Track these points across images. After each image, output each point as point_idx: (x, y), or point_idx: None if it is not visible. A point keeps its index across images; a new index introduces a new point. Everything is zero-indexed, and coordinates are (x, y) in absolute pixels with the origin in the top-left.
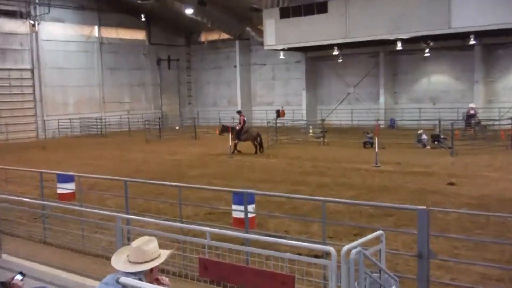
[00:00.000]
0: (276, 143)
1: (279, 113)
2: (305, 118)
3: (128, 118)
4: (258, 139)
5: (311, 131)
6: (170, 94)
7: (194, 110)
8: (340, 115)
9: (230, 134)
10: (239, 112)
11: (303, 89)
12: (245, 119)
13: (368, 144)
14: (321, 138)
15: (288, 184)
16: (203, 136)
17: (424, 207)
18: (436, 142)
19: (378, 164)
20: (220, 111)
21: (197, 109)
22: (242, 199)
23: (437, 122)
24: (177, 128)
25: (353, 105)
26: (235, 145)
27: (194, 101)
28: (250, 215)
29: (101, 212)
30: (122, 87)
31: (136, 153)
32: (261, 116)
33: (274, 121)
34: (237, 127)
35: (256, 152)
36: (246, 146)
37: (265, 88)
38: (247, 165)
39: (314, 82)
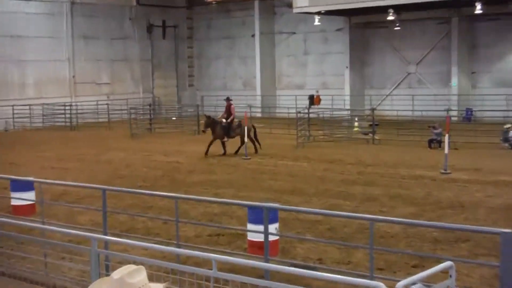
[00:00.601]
0: (309, 141)
1: (313, 100)
2: (348, 107)
3: (108, 105)
4: (253, 132)
5: (356, 124)
6: (165, 73)
7: (197, 95)
8: (396, 102)
9: (213, 131)
10: (227, 99)
11: (346, 67)
12: (234, 109)
13: (435, 143)
14: (370, 135)
15: (324, 196)
16: (209, 130)
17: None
18: None
19: (448, 171)
20: (233, 96)
21: (202, 94)
22: (261, 216)
23: None
24: (173, 119)
25: (415, 89)
26: (223, 144)
27: (197, 82)
28: (271, 238)
29: (71, 231)
30: (100, 63)
31: (117, 152)
32: (287, 103)
33: (305, 111)
34: (222, 121)
35: (256, 151)
36: (234, 143)
37: (294, 66)
38: (268, 170)
39: (362, 58)
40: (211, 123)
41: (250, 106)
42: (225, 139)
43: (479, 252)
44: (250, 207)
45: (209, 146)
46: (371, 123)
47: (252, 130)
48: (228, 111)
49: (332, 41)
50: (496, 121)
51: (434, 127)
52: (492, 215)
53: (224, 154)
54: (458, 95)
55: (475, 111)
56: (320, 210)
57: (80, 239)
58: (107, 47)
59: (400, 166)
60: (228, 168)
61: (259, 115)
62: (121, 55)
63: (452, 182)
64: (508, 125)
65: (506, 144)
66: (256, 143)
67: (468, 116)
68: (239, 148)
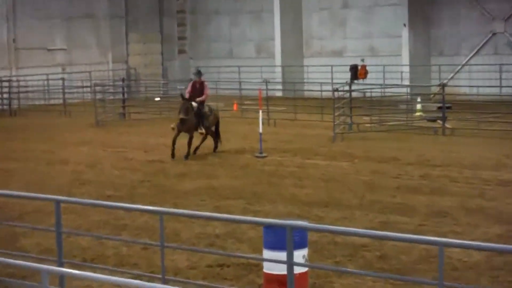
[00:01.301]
0: (351, 131)
1: (357, 72)
2: (407, 82)
3: (63, 80)
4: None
5: (419, 107)
6: (144, 35)
7: (190, 65)
8: (476, 76)
9: (182, 116)
10: (198, 74)
11: (404, 25)
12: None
13: None
14: (439, 122)
15: (373, 211)
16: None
17: None
18: None
19: None
20: (243, 68)
21: (197, 64)
22: (282, 238)
23: None
24: (157, 99)
25: (503, 56)
26: (202, 140)
27: (190, 48)
28: (297, 270)
29: (12, 261)
30: (52, 21)
31: (78, 147)
32: (320, 76)
33: (346, 88)
34: (192, 104)
35: (216, 149)
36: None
37: (328, 24)
38: (292, 173)
39: (426, 11)
40: (189, 108)
41: (266, 82)
42: (202, 130)
43: None
44: (267, 226)
45: (190, 144)
46: (440, 105)
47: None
48: (200, 92)
49: None
50: None
51: None
52: None
53: (194, 153)
54: None
55: None
56: (367, 231)
57: (25, 272)
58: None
59: (482, 167)
60: (235, 170)
61: (279, 93)
62: (82, 10)
63: None
64: None
65: None
66: (219, 138)
67: None
68: (200, 144)
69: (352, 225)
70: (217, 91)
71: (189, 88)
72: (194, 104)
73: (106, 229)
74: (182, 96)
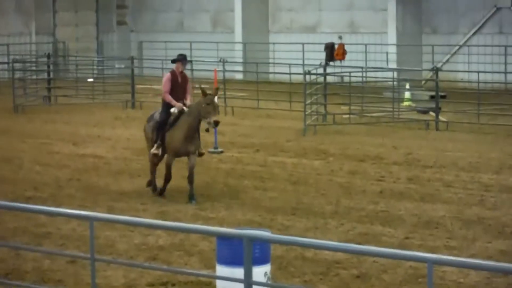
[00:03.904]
0: (325, 123)
1: (333, 52)
2: (394, 65)
3: None
4: None
5: (407, 95)
6: (76, 2)
7: (132, 40)
8: (476, 59)
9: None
10: (183, 60)
11: None
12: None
13: None
14: (432, 113)
15: (351, 219)
16: (154, 103)
17: None
18: None
19: None
20: (195, 44)
21: (140, 38)
22: (239, 251)
23: None
24: (90, 80)
25: (509, 36)
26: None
27: (132, 19)
28: None
29: None
30: None
31: None
32: (288, 55)
33: (320, 70)
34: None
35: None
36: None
37: None
38: (253, 173)
39: None
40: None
41: (224, 61)
42: (154, 149)
43: None
44: (221, 237)
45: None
46: (432, 93)
47: None
48: (183, 89)
49: None
50: None
51: None
52: None
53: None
54: None
55: None
56: (342, 244)
57: None
58: None
59: (483, 169)
60: (184, 168)
61: (239, 76)
62: None
63: None
64: None
65: None
66: None
67: None
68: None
69: (325, 237)
70: (163, 71)
71: (167, 84)
72: (172, 110)
73: (25, 237)
74: (203, 90)
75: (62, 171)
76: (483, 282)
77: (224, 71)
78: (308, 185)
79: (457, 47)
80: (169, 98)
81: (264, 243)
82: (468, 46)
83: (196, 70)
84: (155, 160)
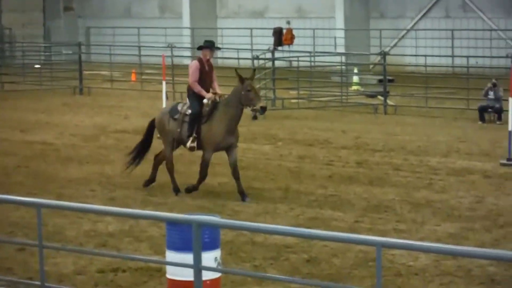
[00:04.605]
0: (274, 107)
1: (282, 37)
2: (342, 50)
3: None
4: None
5: (356, 79)
6: None
7: (79, 26)
8: (424, 43)
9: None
10: (211, 46)
11: None
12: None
13: (491, 113)
14: (380, 97)
15: (300, 204)
16: (102, 89)
17: None
18: None
19: None
20: (143, 30)
21: (87, 24)
22: (189, 237)
23: None
24: (37, 66)
25: (456, 20)
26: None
27: (78, 4)
28: (207, 276)
29: None
30: None
31: None
32: (237, 40)
33: (269, 54)
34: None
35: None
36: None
37: None
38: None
39: None
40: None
41: (172, 47)
42: (189, 143)
43: None
44: (170, 222)
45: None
46: (380, 77)
47: None
48: (210, 78)
49: None
50: None
51: (493, 85)
52: None
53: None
54: None
55: None
56: (292, 229)
57: None
58: None
59: (431, 152)
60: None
61: (187, 61)
62: None
63: None
64: None
65: None
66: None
67: None
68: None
69: (275, 221)
70: (111, 57)
71: (196, 73)
72: (205, 100)
73: None
74: (240, 76)
75: (10, 158)
76: (432, 265)
77: (172, 56)
78: (258, 170)
79: (404, 31)
80: (199, 88)
81: (214, 228)
82: (416, 30)
83: (144, 55)
84: (171, 165)
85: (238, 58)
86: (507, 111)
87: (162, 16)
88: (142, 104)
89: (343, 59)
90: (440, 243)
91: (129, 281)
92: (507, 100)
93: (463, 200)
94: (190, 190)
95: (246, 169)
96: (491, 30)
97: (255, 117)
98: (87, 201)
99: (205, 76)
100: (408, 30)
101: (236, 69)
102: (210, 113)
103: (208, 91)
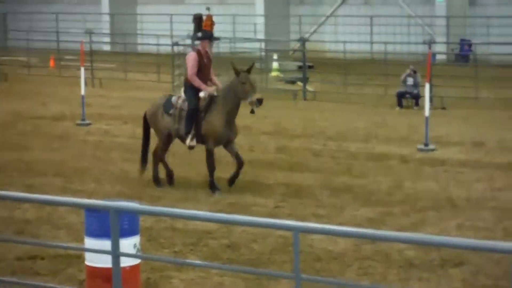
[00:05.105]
0: None
1: (201, 23)
2: (262, 36)
3: None
4: None
5: (275, 65)
6: None
7: None
8: (343, 29)
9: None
10: (209, 37)
11: None
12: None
13: (409, 98)
14: (299, 83)
15: (221, 190)
16: (20, 75)
17: None
18: None
19: (431, 146)
20: (61, 15)
21: (4, 9)
22: (107, 223)
23: None
24: None
25: (375, 7)
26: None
27: None
28: (126, 263)
29: None
30: None
31: None
32: (156, 27)
33: (188, 41)
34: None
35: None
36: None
37: None
38: (121, 145)
39: None
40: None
41: (90, 33)
42: (189, 141)
43: (480, 282)
44: (88, 209)
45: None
46: (300, 64)
47: None
48: (208, 70)
49: None
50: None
51: (413, 71)
52: (502, 221)
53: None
54: (448, 18)
55: (475, 44)
56: (212, 214)
57: None
58: None
59: (350, 138)
60: (52, 141)
61: (106, 47)
62: None
63: (437, 166)
64: None
65: None
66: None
67: (464, 53)
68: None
69: (195, 207)
70: (28, 43)
71: (194, 65)
72: (202, 94)
73: None
74: (235, 68)
75: None
76: (352, 249)
77: (91, 42)
78: (178, 156)
79: (324, 18)
80: (199, 82)
81: (133, 214)
82: (335, 16)
83: (62, 41)
84: (162, 156)
85: (158, 45)
86: (424, 97)
87: (80, 2)
88: (61, 91)
89: (263, 45)
90: (359, 228)
91: (47, 269)
92: (424, 86)
93: (382, 185)
94: (213, 188)
95: (166, 156)
96: (409, 16)
97: (252, 111)
98: (3, 188)
99: (204, 68)
100: (328, 17)
101: (231, 61)
102: (207, 107)
103: (206, 84)
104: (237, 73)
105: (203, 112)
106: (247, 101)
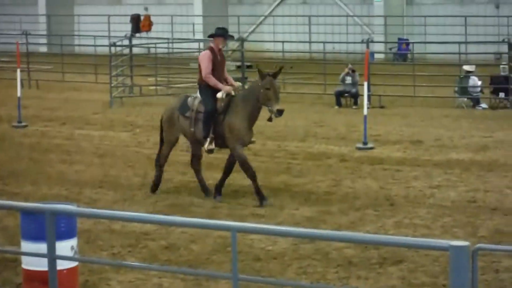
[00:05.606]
0: (132, 94)
1: (139, 23)
2: (200, 36)
3: None
4: None
5: None
6: None
7: None
8: (281, 29)
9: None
10: (225, 34)
11: None
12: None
13: (347, 97)
14: (239, 83)
15: (159, 191)
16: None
17: (467, 243)
18: (498, 95)
19: (370, 145)
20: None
21: None
22: (43, 226)
23: (503, 49)
24: None
25: (313, 6)
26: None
27: None
28: (63, 266)
29: None
30: None
31: None
32: (94, 27)
33: (126, 41)
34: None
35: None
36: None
37: None
38: (58, 146)
39: None
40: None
41: (27, 34)
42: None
43: (419, 280)
44: (24, 212)
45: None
46: (239, 63)
47: None
48: (222, 70)
49: None
50: (448, 60)
51: (352, 70)
52: (440, 218)
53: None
54: (385, 17)
55: (412, 43)
56: (150, 215)
57: None
58: None
59: (288, 137)
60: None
61: (43, 49)
62: None
63: (375, 164)
64: (468, 68)
65: (465, 99)
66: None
67: (402, 52)
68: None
69: (133, 208)
70: None
71: (209, 64)
72: (219, 95)
73: None
74: (261, 72)
75: None
76: (291, 248)
77: (28, 43)
78: (116, 157)
79: (262, 17)
80: (214, 81)
81: (70, 217)
82: (273, 16)
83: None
84: (164, 162)
85: (95, 45)
86: (363, 95)
87: (16, 3)
88: None
89: (201, 45)
90: (298, 227)
91: None
92: (362, 85)
93: (321, 184)
94: (261, 199)
95: (104, 157)
96: (347, 16)
97: (270, 119)
98: None
99: (218, 66)
100: (266, 16)
101: (257, 64)
102: (226, 109)
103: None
104: (263, 76)
105: (222, 114)
106: (267, 108)
